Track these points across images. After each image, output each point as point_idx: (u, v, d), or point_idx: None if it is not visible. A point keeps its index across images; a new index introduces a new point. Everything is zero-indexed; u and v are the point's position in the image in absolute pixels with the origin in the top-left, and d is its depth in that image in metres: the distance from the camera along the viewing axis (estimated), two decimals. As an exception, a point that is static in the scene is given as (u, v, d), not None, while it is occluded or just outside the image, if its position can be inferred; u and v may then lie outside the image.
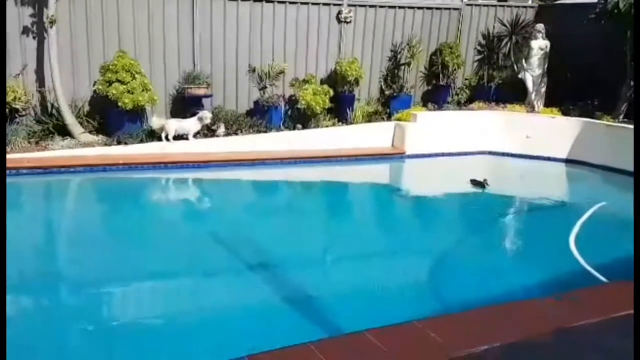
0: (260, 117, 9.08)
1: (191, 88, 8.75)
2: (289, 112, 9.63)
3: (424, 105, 10.65)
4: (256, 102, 9.32)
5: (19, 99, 7.78)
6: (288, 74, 9.60)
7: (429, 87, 10.97)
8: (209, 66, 9.16)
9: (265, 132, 8.85)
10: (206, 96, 8.98)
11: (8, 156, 7.18)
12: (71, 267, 4.84)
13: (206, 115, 8.30)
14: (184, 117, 8.69)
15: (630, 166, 8.30)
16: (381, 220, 6.98)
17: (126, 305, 4.10)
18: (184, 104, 8.90)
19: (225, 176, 8.02)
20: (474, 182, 7.62)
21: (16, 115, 7.87)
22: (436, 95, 10.78)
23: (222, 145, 8.37)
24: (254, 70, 9.33)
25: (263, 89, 9.29)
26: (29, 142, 7.77)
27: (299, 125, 9.37)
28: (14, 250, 4.89)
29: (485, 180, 7.56)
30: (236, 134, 8.68)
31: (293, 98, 9.57)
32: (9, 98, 7.59)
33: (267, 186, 8.16)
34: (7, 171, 6.69)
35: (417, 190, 8.43)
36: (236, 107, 9.39)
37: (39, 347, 3.36)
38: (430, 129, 9.39)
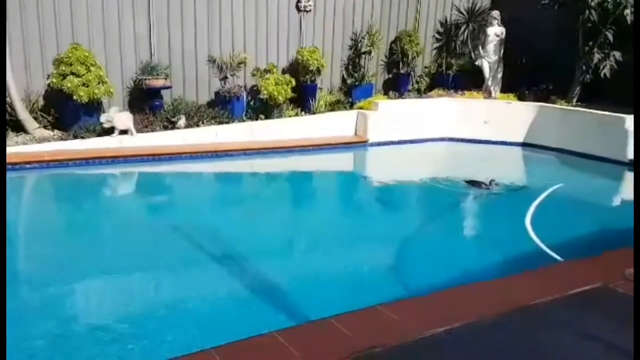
0: (222, 108, 8.98)
1: (149, 79, 8.57)
2: (252, 103, 9.56)
3: (386, 93, 10.76)
4: (217, 93, 9.21)
5: (-33, 94, 7.46)
6: (249, 64, 9.51)
7: (390, 76, 11.08)
8: (167, 57, 8.99)
9: (228, 123, 8.76)
10: (165, 87, 8.82)
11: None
12: (26, 265, 4.71)
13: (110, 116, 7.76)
14: (142, 109, 8.53)
15: (583, 148, 8.66)
16: (344, 208, 7.05)
17: (82, 301, 4.02)
18: (142, 96, 8.71)
19: (186, 169, 7.93)
20: (472, 183, 6.94)
21: (-35, 111, 7.54)
22: (397, 84, 10.91)
23: (183, 137, 8.25)
24: (214, 61, 9.21)
25: (224, 79, 9.18)
26: (-20, 139, 7.48)
27: (262, 116, 9.31)
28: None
29: (492, 181, 6.86)
30: (197, 125, 8.57)
31: (255, 88, 9.51)
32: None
33: (230, 177, 8.11)
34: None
35: (380, 178, 8.52)
36: (197, 98, 9.26)
37: None
38: (391, 117, 9.49)
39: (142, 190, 7.47)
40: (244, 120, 9.10)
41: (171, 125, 8.44)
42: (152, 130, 8.23)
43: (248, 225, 5.81)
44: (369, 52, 10.40)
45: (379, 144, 9.35)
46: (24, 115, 7.76)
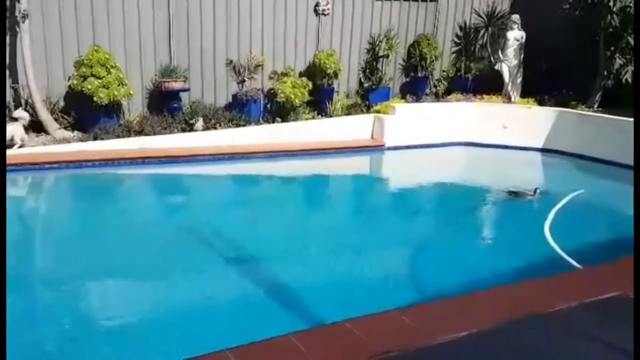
0: (239, 110, 9.02)
1: (168, 82, 8.66)
2: (268, 106, 9.59)
3: (403, 97, 10.72)
4: (235, 96, 9.26)
5: (-9, 95, 7.59)
6: (266, 67, 9.55)
7: (407, 79, 11.03)
8: (186, 60, 9.07)
9: (244, 125, 8.80)
10: (183, 90, 8.90)
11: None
12: (50, 264, 4.77)
13: (22, 114, 7.48)
14: (161, 111, 8.62)
15: (604, 154, 8.50)
16: (361, 211, 7.02)
17: (109, 299, 4.06)
18: (161, 98, 8.80)
19: (204, 171, 7.97)
20: (513, 194, 6.73)
21: (-12, 111, 7.67)
22: (414, 87, 10.85)
23: (201, 139, 8.29)
24: (232, 64, 9.26)
25: (241, 82, 9.23)
26: (3, 139, 7.61)
27: (278, 119, 9.34)
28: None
29: (537, 189, 6.70)
30: (215, 128, 8.62)
31: (272, 91, 9.54)
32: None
33: (247, 180, 8.13)
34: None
35: (397, 182, 8.49)
36: (214, 100, 9.32)
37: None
38: (409, 120, 9.45)
39: (159, 191, 7.53)
40: (260, 123, 9.14)
41: (189, 127, 8.51)
42: (171, 133, 8.29)
43: (265, 227, 5.82)
44: (387, 56, 10.37)
45: (395, 147, 9.30)
46: (45, 116, 7.88)
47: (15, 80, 8.03)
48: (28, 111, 7.97)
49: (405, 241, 5.48)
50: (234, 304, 3.96)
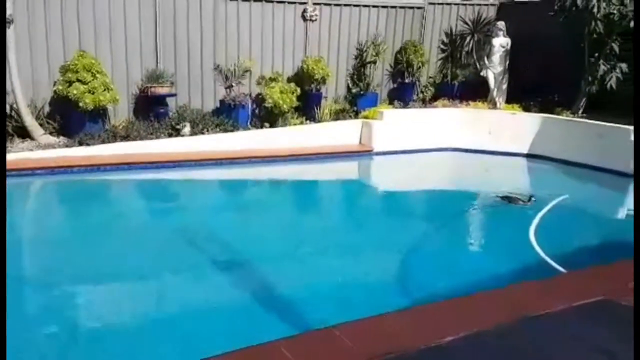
0: (226, 115, 9.01)
1: (154, 87, 8.63)
2: (256, 111, 9.60)
3: (390, 103, 10.78)
4: (222, 101, 9.24)
5: (-26, 100, 7.50)
6: (254, 72, 9.56)
7: (395, 85, 11.09)
8: (172, 64, 9.05)
9: (232, 131, 8.78)
10: (170, 95, 8.87)
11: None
12: (32, 270, 4.71)
13: None
14: (147, 116, 8.58)
15: (588, 160, 8.61)
16: (348, 216, 7.03)
17: (93, 306, 4.02)
18: (147, 103, 8.76)
19: (190, 176, 7.93)
20: (506, 199, 6.75)
21: (-29, 116, 7.58)
22: (402, 93, 10.92)
23: (188, 144, 8.26)
24: (219, 69, 9.25)
25: (229, 87, 9.22)
26: (-14, 145, 7.52)
27: (267, 124, 9.34)
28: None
29: (531, 197, 6.81)
30: (202, 133, 8.59)
31: (260, 96, 9.54)
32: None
33: (235, 185, 8.11)
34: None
35: (386, 186, 8.51)
36: (202, 106, 9.30)
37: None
38: (396, 126, 9.49)
39: (145, 196, 7.48)
40: (249, 129, 9.13)
41: (176, 132, 8.47)
42: (157, 137, 8.26)
43: (254, 232, 5.81)
44: (374, 62, 10.43)
45: (384, 153, 9.34)
46: (30, 121, 7.80)
47: None
48: (12, 116, 7.89)
49: (395, 246, 5.49)
50: (221, 309, 3.94)
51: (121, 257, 4.88)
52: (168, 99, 8.88)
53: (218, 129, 8.75)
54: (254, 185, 8.27)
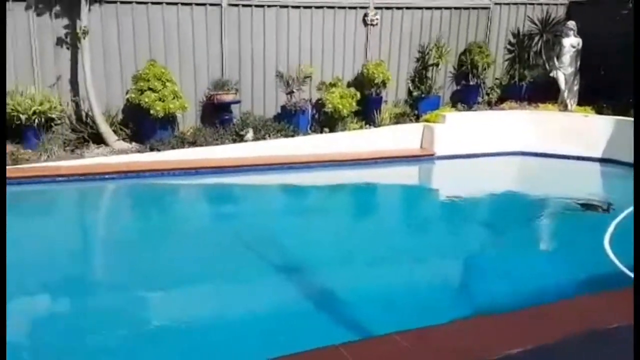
0: (287, 121, 9.14)
1: (220, 94, 8.88)
2: (316, 116, 9.67)
3: (453, 105, 10.54)
4: (283, 107, 9.39)
5: (54, 108, 8.01)
6: (315, 78, 9.64)
7: (458, 88, 10.85)
8: (237, 72, 9.28)
9: (293, 136, 8.90)
10: (235, 102, 9.10)
11: (45, 164, 7.42)
12: (106, 271, 4.96)
13: None
14: (213, 123, 8.84)
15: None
16: (410, 222, 6.92)
17: (166, 304, 4.17)
18: (213, 110, 9.03)
19: (253, 180, 8.10)
20: (583, 206, 6.71)
21: (52, 124, 8.10)
22: (466, 96, 10.65)
23: (251, 150, 8.45)
24: (281, 75, 9.40)
25: (290, 93, 9.35)
26: (65, 150, 8.00)
27: (326, 129, 9.38)
28: (54, 253, 5.06)
29: (609, 205, 6.76)
30: (264, 138, 8.76)
31: (320, 102, 9.61)
32: (44, 107, 7.82)
33: (297, 190, 8.18)
34: (45, 179, 6.92)
35: (449, 192, 8.30)
36: (264, 112, 9.48)
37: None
38: (460, 129, 9.27)
39: (212, 200, 7.72)
40: (308, 134, 9.21)
41: (239, 138, 8.68)
42: (222, 143, 8.49)
43: (317, 236, 5.84)
44: (437, 64, 10.25)
45: (446, 157, 9.14)
46: (104, 128, 8.23)
47: (76, 93, 8.45)
48: (88, 123, 8.36)
49: (462, 254, 5.36)
50: (279, 312, 3.98)
51: (189, 257, 5.05)
52: (233, 106, 9.12)
53: (279, 135, 8.89)
54: (314, 190, 8.32)
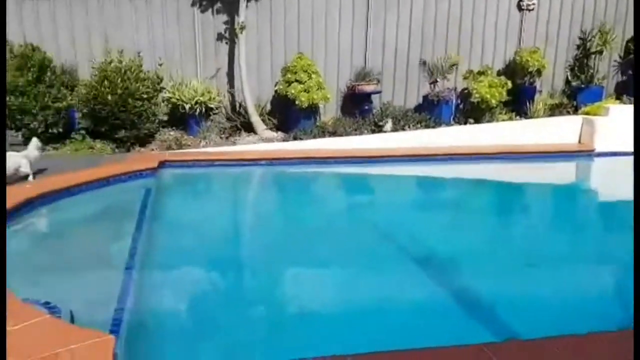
0: (429, 112, 8.93)
1: (361, 84, 8.96)
2: (461, 106, 9.31)
3: (618, 97, 9.48)
4: (425, 97, 9.18)
5: (213, 98, 8.70)
6: (461, 67, 9.27)
7: (624, 78, 9.73)
8: (380, 63, 9.28)
9: (434, 127, 8.67)
10: (375, 92, 9.11)
11: (206, 149, 8.08)
12: (254, 246, 5.26)
13: (31, 152, 5.99)
14: (353, 113, 8.93)
15: None
16: (568, 226, 6.33)
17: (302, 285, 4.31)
18: (353, 101, 9.14)
19: (390, 171, 8.02)
20: None
21: (210, 113, 8.82)
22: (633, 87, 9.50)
23: (389, 140, 8.38)
24: (425, 64, 9.19)
25: (433, 82, 9.11)
26: (221, 137, 8.67)
27: (471, 120, 8.99)
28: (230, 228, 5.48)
29: None
30: (403, 129, 8.65)
31: (465, 91, 9.23)
32: (205, 98, 8.53)
33: (436, 182, 7.95)
34: (205, 163, 7.52)
35: (611, 193, 7.45)
36: (404, 102, 9.38)
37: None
38: (625, 124, 8.28)
39: (348, 189, 7.81)
40: (451, 125, 8.91)
41: (378, 129, 8.67)
42: (360, 133, 8.56)
43: (456, 231, 5.63)
44: (600, 52, 9.28)
45: (607, 154, 8.23)
46: (255, 118, 8.76)
47: (231, 85, 9.09)
48: (241, 113, 8.96)
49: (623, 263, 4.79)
50: (413, 306, 3.88)
51: (327, 242, 5.15)
52: (373, 96, 9.15)
53: (420, 125, 8.71)
54: (455, 184, 8.00)
